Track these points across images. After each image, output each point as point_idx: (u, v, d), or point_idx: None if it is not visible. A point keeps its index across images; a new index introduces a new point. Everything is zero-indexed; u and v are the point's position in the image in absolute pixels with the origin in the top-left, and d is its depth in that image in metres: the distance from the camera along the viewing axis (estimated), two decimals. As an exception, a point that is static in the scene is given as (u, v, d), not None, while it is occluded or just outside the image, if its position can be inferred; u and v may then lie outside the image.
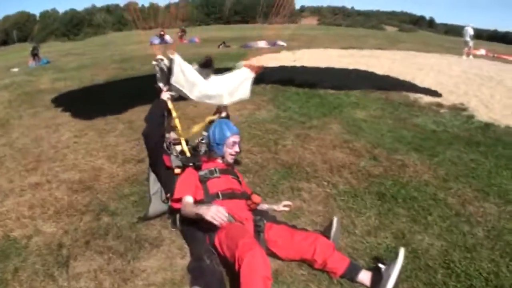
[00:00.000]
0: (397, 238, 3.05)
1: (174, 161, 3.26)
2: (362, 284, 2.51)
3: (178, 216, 2.98)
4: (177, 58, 3.08)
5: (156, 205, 3.22)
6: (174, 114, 3.36)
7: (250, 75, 3.58)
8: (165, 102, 3.26)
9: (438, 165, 4.49)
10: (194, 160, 3.17)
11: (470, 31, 17.70)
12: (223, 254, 2.49)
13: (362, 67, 11.50)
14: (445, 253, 2.86)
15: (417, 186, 3.98)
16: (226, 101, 3.46)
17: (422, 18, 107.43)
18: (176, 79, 3.09)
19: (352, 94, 8.03)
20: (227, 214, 2.48)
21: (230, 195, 2.91)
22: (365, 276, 2.51)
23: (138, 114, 6.32)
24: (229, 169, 3.24)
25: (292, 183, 4.03)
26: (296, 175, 4.22)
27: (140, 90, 7.38)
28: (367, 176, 4.19)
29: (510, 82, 9.67)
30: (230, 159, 3.21)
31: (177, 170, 3.17)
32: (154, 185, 3.25)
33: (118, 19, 65.93)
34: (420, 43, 25.76)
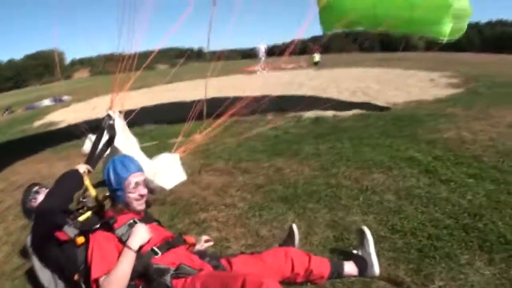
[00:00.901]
0: (331, 228, 3.15)
1: (70, 231, 2.33)
2: (350, 275, 2.42)
3: None
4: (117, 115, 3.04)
5: None
6: (91, 191, 2.66)
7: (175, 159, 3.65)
8: (81, 175, 2.60)
9: (307, 160, 4.75)
10: (98, 220, 2.33)
11: (262, 49, 20.56)
12: None
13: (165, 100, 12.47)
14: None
15: (309, 181, 4.16)
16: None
17: (190, 50, 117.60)
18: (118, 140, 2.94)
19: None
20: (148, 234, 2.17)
21: (167, 246, 2.28)
22: (350, 267, 2.44)
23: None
24: (148, 216, 2.54)
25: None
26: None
27: None
28: (256, 188, 4.17)
29: (307, 82, 11.89)
30: (137, 205, 2.37)
31: (80, 239, 2.26)
32: (43, 275, 2.36)
33: None
34: (196, 71, 27.65)
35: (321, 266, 2.38)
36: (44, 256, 2.35)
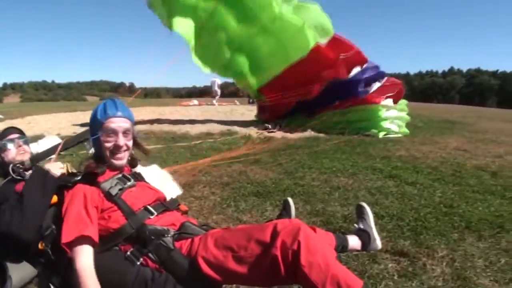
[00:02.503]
0: (315, 216, 3.05)
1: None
2: (354, 249, 2.26)
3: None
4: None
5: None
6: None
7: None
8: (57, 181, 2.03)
9: (269, 166, 4.69)
10: (80, 173, 1.96)
11: (218, 82, 21.40)
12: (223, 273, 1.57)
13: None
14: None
15: (276, 182, 4.07)
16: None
17: (122, 84, 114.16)
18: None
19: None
20: None
21: (162, 207, 1.91)
22: (353, 240, 2.28)
23: None
24: (137, 174, 2.11)
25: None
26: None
27: None
28: (224, 185, 3.93)
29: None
30: (113, 159, 1.95)
31: (53, 199, 1.94)
32: None
33: None
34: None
35: (327, 239, 2.16)
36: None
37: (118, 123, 1.89)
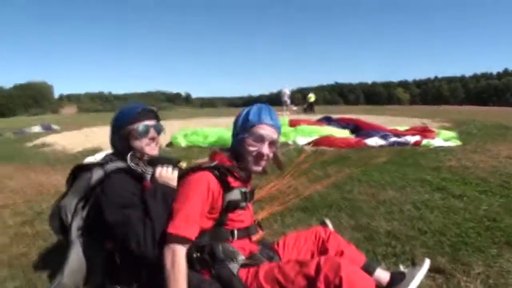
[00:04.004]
0: (359, 231, 3.20)
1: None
2: (377, 283, 2.05)
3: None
4: None
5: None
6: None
7: None
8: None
9: (318, 180, 4.82)
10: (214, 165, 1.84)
11: (288, 92, 22.06)
12: None
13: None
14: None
15: (324, 196, 4.27)
16: None
17: (178, 95, 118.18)
18: None
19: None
20: None
21: (244, 233, 1.94)
22: (382, 274, 2.08)
23: None
24: (253, 192, 2.07)
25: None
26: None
27: None
28: (269, 200, 4.07)
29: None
30: (255, 166, 1.88)
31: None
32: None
33: None
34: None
35: (355, 254, 2.12)
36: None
37: (268, 131, 1.84)
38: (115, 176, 1.91)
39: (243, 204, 1.89)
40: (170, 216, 1.67)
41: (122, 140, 2.02)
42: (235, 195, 1.82)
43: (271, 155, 1.89)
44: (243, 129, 1.86)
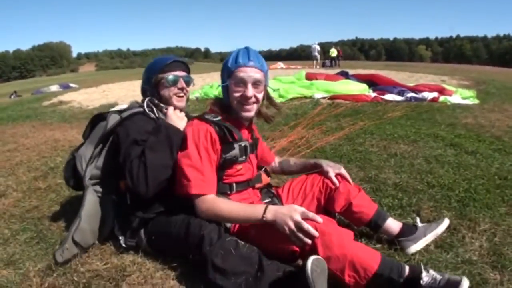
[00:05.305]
0: (367, 182, 3.20)
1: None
2: (386, 233, 2.11)
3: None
4: None
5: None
6: None
7: None
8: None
9: (331, 131, 4.80)
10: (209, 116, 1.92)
11: (318, 48, 22.76)
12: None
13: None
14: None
15: (336, 147, 4.33)
16: None
17: (197, 50, 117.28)
18: None
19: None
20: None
21: (244, 185, 2.00)
22: (393, 224, 2.09)
23: None
24: (253, 140, 2.09)
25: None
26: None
27: None
28: (279, 151, 4.11)
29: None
30: (243, 112, 1.88)
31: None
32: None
33: None
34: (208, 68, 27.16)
35: (366, 203, 2.13)
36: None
37: (248, 72, 1.80)
38: (134, 117, 2.01)
39: (242, 158, 1.93)
40: (183, 174, 1.76)
41: (152, 89, 2.11)
42: (233, 150, 1.87)
43: (259, 95, 1.87)
44: (226, 77, 1.86)
